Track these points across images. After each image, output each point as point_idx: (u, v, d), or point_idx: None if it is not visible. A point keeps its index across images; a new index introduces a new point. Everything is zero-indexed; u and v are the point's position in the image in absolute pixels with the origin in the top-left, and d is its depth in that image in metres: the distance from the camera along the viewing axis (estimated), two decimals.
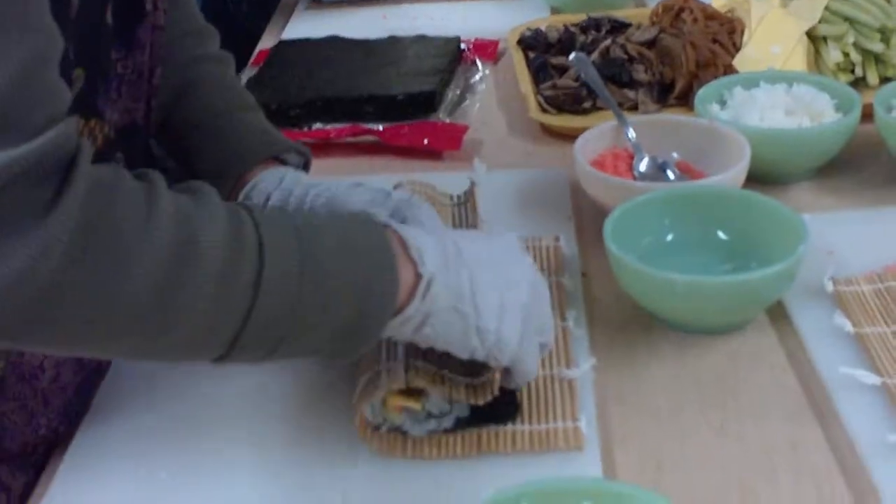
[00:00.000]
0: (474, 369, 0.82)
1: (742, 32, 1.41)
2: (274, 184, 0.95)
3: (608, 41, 1.45)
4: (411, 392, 0.82)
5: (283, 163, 1.00)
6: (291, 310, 0.72)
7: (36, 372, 0.86)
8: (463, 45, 1.57)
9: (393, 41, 1.59)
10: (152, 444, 0.87)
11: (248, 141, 0.99)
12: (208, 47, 1.06)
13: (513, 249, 0.83)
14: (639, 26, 1.50)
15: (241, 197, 0.96)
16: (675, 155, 1.16)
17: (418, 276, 0.76)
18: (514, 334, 0.78)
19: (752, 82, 1.24)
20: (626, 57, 1.42)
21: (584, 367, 0.90)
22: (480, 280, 0.78)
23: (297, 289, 0.72)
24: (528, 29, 1.57)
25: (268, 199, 0.94)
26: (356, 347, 0.76)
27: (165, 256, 0.67)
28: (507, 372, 0.81)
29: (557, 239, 1.08)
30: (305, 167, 1.03)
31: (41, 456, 0.89)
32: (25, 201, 0.62)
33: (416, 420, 0.83)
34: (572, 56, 1.35)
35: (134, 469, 0.85)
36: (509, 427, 0.84)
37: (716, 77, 1.31)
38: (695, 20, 1.45)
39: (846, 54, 1.34)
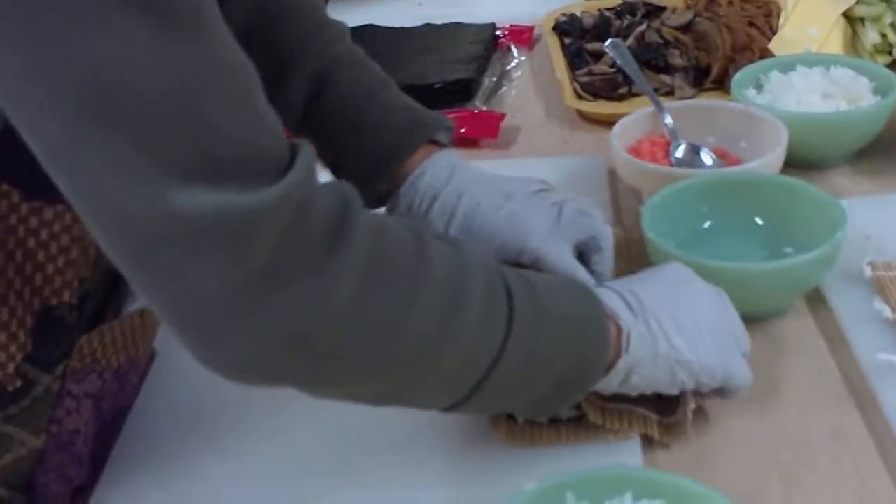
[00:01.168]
0: (664, 404, 0.84)
1: (778, 15, 1.41)
2: (442, 181, 0.94)
3: (643, 26, 1.45)
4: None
5: (437, 143, 0.97)
6: (526, 364, 0.73)
7: (73, 437, 0.83)
8: (498, 32, 1.58)
9: (428, 28, 1.59)
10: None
11: (399, 128, 0.96)
12: (328, 22, 1.00)
13: (681, 277, 0.85)
14: (674, 10, 1.50)
15: (405, 189, 0.94)
16: (711, 140, 1.16)
17: (619, 331, 0.78)
18: (714, 357, 0.80)
19: (788, 66, 1.24)
20: (661, 41, 1.42)
21: None
22: (665, 320, 0.80)
23: (532, 345, 0.73)
24: (563, 14, 1.57)
25: (435, 198, 0.93)
26: (567, 402, 0.80)
27: (438, 298, 0.68)
28: (720, 390, 0.83)
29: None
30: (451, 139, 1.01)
31: None
32: (302, 240, 0.62)
33: None
34: (608, 43, 1.35)
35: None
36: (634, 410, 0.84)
37: (752, 61, 1.31)
38: (730, 3, 1.45)
39: (884, 35, 1.33)
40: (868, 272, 0.96)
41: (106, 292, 0.87)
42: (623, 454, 0.81)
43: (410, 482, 0.82)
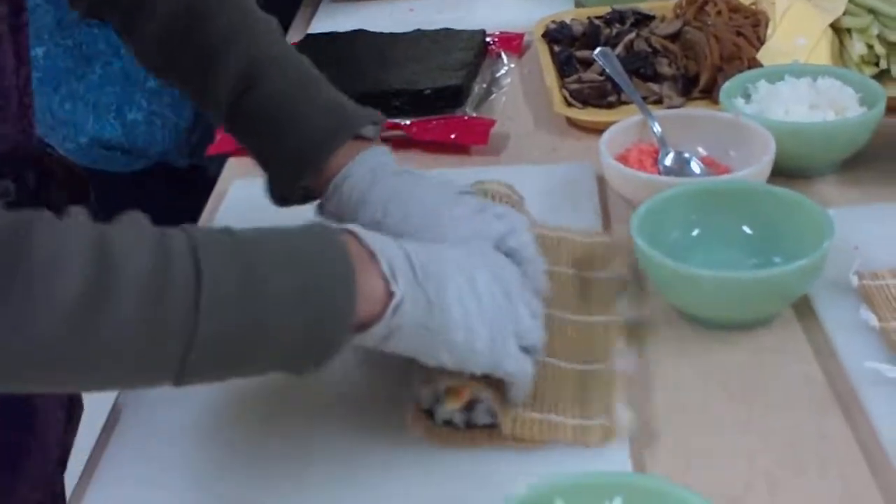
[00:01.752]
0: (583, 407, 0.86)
1: (766, 25, 1.42)
2: (366, 183, 0.93)
3: (632, 34, 1.46)
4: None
5: (363, 139, 0.97)
6: (238, 332, 0.70)
7: None
8: (488, 39, 1.58)
9: (419, 34, 1.60)
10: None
11: (321, 125, 0.96)
12: (257, 17, 1.00)
13: (486, 253, 0.83)
14: (663, 19, 1.51)
15: (332, 189, 0.94)
16: (700, 149, 1.17)
17: (389, 294, 0.75)
18: (483, 345, 0.78)
19: (776, 76, 1.25)
20: (650, 50, 1.43)
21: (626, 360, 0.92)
22: (450, 290, 0.77)
23: (239, 312, 0.69)
24: (553, 22, 1.58)
25: (362, 203, 0.92)
26: (317, 362, 0.75)
27: (78, 293, 0.64)
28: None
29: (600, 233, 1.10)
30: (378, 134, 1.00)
31: None
32: None
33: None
34: (597, 51, 1.36)
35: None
36: (548, 418, 0.85)
37: (740, 70, 1.31)
38: (719, 13, 1.46)
39: (870, 46, 1.35)
40: (855, 281, 0.97)
41: None
42: (612, 459, 0.82)
43: (398, 486, 0.83)
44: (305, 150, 0.95)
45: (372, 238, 0.77)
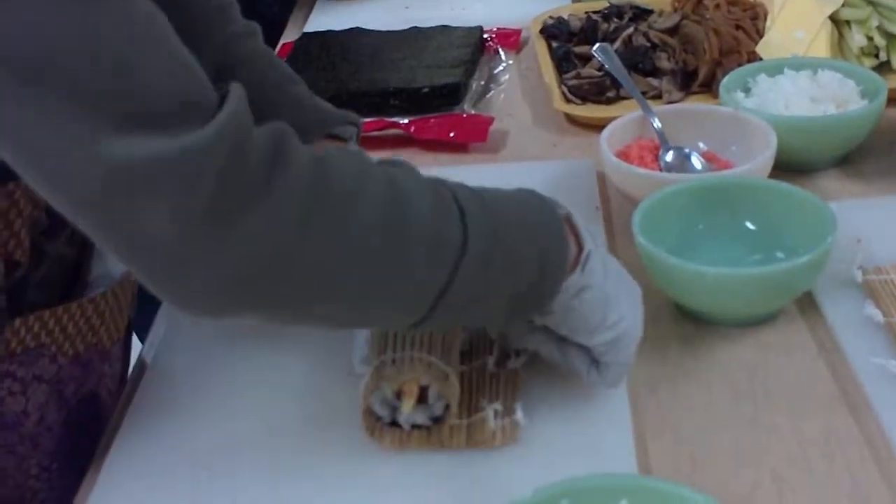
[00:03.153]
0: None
1: (765, 18, 1.41)
2: None
3: (631, 29, 1.46)
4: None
5: (338, 138, 0.98)
6: (486, 274, 0.75)
7: (19, 418, 0.87)
8: (485, 35, 1.58)
9: (415, 32, 1.59)
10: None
11: (300, 120, 0.94)
12: (237, 20, 1.03)
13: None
14: (661, 13, 1.51)
15: None
16: (701, 145, 1.16)
17: (580, 249, 0.81)
18: (636, 332, 0.84)
19: (776, 69, 1.24)
20: (648, 45, 1.42)
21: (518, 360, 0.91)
22: (612, 265, 0.84)
23: (490, 254, 0.75)
24: (551, 17, 1.57)
25: None
26: (530, 311, 0.81)
27: (382, 216, 0.70)
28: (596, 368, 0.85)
29: None
30: (358, 136, 1.02)
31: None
32: (241, 173, 0.65)
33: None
34: (596, 47, 1.35)
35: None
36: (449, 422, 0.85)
37: (739, 64, 1.31)
38: (717, 6, 1.45)
39: (870, 38, 1.34)
40: (859, 276, 0.96)
41: (54, 278, 0.88)
42: (618, 460, 0.82)
43: (402, 490, 0.82)
44: None
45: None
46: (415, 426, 0.85)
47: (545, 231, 0.79)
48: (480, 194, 0.77)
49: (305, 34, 1.65)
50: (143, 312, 1.07)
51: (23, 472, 0.89)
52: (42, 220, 0.86)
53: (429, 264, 0.73)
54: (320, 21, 1.76)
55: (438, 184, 0.76)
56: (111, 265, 0.94)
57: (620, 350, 0.83)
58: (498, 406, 0.86)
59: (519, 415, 0.85)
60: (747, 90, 1.23)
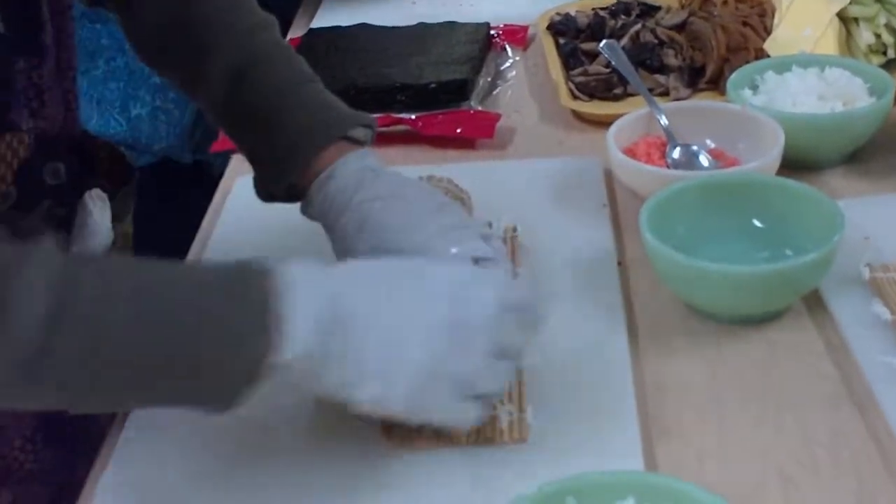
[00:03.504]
0: None
1: (772, 15, 1.41)
2: (351, 188, 0.91)
3: (638, 26, 1.45)
4: None
5: (353, 140, 0.95)
6: (92, 360, 0.68)
7: None
8: (492, 32, 1.57)
9: (422, 28, 1.59)
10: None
11: (309, 123, 0.95)
12: (254, 12, 1.00)
13: (455, 282, 0.78)
14: (668, 10, 1.50)
15: (315, 189, 0.93)
16: (708, 142, 1.16)
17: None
18: (401, 396, 0.75)
19: (784, 66, 1.24)
20: (656, 41, 1.42)
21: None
22: (365, 344, 0.73)
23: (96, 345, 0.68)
24: (558, 14, 1.57)
25: (345, 208, 0.90)
26: (234, 403, 0.73)
27: None
28: None
29: (514, 229, 1.09)
30: (372, 138, 0.99)
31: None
32: None
33: None
34: (602, 44, 1.35)
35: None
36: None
37: (747, 61, 1.31)
38: (725, 3, 1.45)
39: (878, 36, 1.34)
40: (866, 274, 0.96)
41: None
42: (624, 458, 0.81)
43: (407, 488, 0.82)
44: (292, 147, 0.94)
45: (292, 293, 0.72)
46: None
47: (220, 337, 0.71)
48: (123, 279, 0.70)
49: (312, 30, 1.65)
50: None
51: (6, 443, 0.89)
52: (11, 194, 0.86)
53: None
54: (327, 17, 1.75)
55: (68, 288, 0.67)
56: (91, 243, 0.94)
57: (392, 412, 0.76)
58: (511, 408, 0.86)
59: (529, 413, 0.85)
60: (755, 87, 1.23)
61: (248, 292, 0.71)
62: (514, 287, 0.80)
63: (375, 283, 0.77)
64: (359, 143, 0.95)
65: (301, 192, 0.95)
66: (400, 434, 0.84)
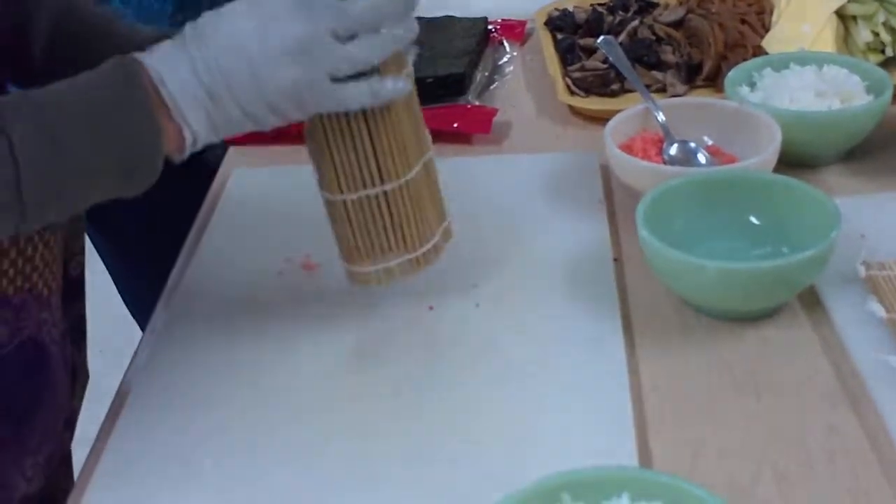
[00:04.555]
0: None
1: (770, 12, 1.40)
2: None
3: (636, 22, 1.45)
4: None
5: None
6: (59, 189, 0.80)
7: None
8: (490, 26, 1.57)
9: (420, 22, 1.57)
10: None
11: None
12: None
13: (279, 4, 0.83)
14: (666, 6, 1.50)
15: None
16: (705, 138, 1.16)
17: (179, 129, 0.82)
18: (285, 103, 0.83)
19: (781, 64, 1.24)
20: (654, 38, 1.41)
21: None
22: (229, 65, 0.81)
23: (56, 170, 0.79)
24: (556, 9, 1.57)
25: None
26: (140, 186, 0.84)
27: None
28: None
29: None
30: None
31: None
32: None
33: None
34: (600, 40, 1.35)
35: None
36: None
37: (745, 58, 1.30)
38: (723, 0, 1.45)
39: (876, 34, 1.33)
40: (862, 272, 0.96)
41: None
42: (618, 452, 0.81)
43: (403, 483, 0.82)
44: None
45: (161, 69, 0.82)
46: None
47: (124, 136, 0.81)
48: (39, 97, 0.80)
49: None
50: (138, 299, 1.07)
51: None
52: None
53: None
54: None
55: None
56: None
57: (292, 112, 0.84)
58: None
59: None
60: (752, 84, 1.23)
61: (134, 95, 0.81)
62: None
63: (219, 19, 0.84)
64: None
65: None
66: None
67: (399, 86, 0.87)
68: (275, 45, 0.81)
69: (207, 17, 0.83)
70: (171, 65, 0.82)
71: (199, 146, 0.85)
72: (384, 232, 0.91)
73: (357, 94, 0.85)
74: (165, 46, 0.83)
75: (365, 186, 0.89)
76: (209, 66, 0.81)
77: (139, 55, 0.83)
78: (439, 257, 0.95)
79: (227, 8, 0.84)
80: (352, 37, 0.83)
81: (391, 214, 0.91)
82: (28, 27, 0.99)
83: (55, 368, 0.97)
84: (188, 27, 0.83)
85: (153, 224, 1.39)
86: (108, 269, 1.67)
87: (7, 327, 0.92)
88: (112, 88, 0.81)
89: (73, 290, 1.05)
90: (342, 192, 0.90)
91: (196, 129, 0.83)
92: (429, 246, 0.94)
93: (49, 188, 0.79)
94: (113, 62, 0.82)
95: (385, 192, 0.90)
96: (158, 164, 0.82)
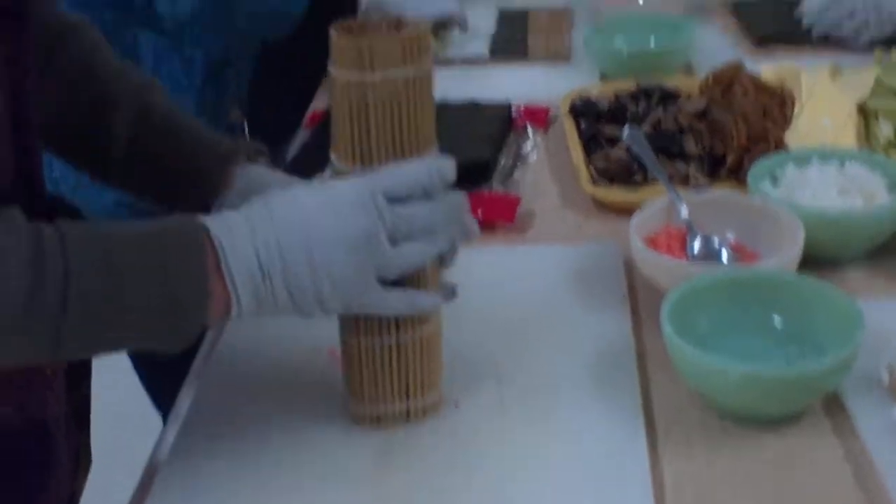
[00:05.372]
0: None
1: (793, 105, 1.42)
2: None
3: (660, 112, 1.47)
4: None
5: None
6: (101, 327, 0.81)
7: None
8: (514, 112, 1.59)
9: (443, 107, 1.60)
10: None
11: (221, 142, 1.09)
12: (142, 75, 1.12)
13: (343, 201, 0.87)
14: (688, 96, 1.52)
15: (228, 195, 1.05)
16: (728, 234, 1.17)
17: (228, 296, 0.85)
18: (338, 302, 0.87)
19: (804, 160, 1.25)
20: (677, 128, 1.43)
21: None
22: (297, 270, 0.85)
23: (103, 308, 0.80)
24: (580, 96, 1.59)
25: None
26: (174, 346, 0.85)
27: None
28: None
29: None
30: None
31: None
32: None
33: None
34: (626, 133, 1.37)
35: None
36: None
37: (767, 151, 1.32)
38: (745, 93, 1.46)
39: None
40: (886, 377, 0.96)
41: None
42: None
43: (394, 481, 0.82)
44: (211, 165, 1.07)
45: (224, 238, 0.85)
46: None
47: (175, 285, 0.83)
48: (104, 248, 0.81)
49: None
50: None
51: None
52: None
53: (25, 327, 0.78)
54: None
55: (44, 242, 0.79)
56: None
57: (333, 309, 0.88)
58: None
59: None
60: (775, 180, 1.24)
61: (189, 264, 0.84)
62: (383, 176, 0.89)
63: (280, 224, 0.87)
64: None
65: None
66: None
67: (435, 302, 0.93)
68: (335, 237, 0.85)
69: (278, 199, 0.87)
70: (235, 239, 0.85)
71: (240, 319, 0.87)
72: (388, 380, 0.95)
73: (395, 302, 0.90)
74: (233, 217, 0.87)
75: (381, 334, 0.93)
76: (269, 245, 0.85)
77: (207, 220, 0.86)
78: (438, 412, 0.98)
79: (297, 193, 0.88)
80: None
81: (399, 365, 0.94)
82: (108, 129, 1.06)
83: (58, 454, 0.97)
84: (259, 203, 0.87)
85: None
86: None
87: (11, 407, 0.92)
88: (174, 254, 0.84)
89: (79, 371, 1.06)
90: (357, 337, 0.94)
91: (244, 304, 0.85)
92: (429, 400, 0.97)
93: (92, 327, 0.81)
94: (181, 224, 0.86)
95: (398, 344, 0.94)
96: (198, 330, 0.85)
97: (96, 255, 0.81)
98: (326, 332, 1.03)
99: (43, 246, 0.79)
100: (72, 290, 0.79)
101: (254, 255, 0.85)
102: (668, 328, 0.96)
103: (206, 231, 0.85)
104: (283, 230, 0.85)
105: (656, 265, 1.10)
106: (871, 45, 1.73)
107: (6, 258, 0.77)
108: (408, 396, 0.96)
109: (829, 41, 1.82)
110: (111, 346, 0.85)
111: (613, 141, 1.44)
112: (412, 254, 0.89)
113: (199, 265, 0.84)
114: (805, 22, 1.86)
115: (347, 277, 0.86)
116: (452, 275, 0.96)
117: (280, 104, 1.81)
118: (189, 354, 1.14)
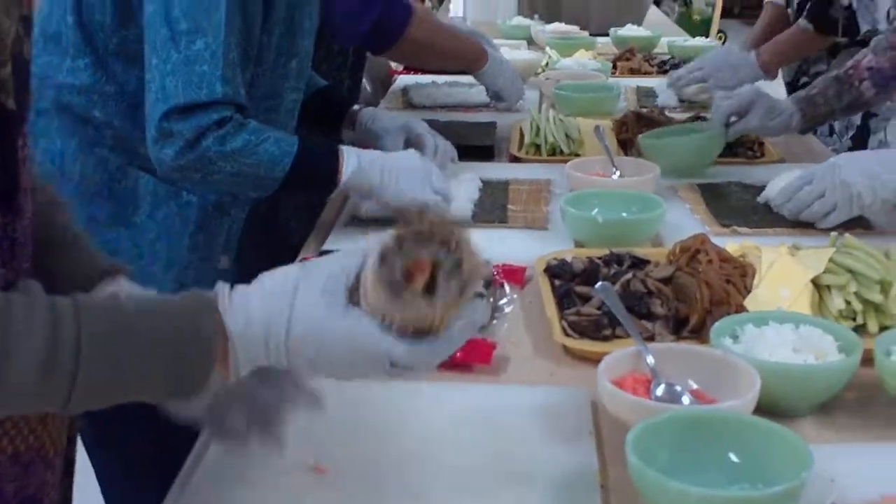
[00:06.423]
0: None
1: (753, 276, 1.52)
2: None
3: (629, 275, 1.57)
4: None
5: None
6: (111, 389, 0.91)
7: None
8: (493, 270, 1.68)
9: None
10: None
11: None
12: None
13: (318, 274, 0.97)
14: (657, 264, 1.62)
15: None
16: (690, 382, 1.25)
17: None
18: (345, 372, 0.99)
19: (762, 321, 1.34)
20: (645, 290, 1.53)
21: None
22: (306, 344, 0.95)
23: (111, 380, 0.90)
24: (555, 259, 1.68)
25: None
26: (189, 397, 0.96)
27: None
28: None
29: None
30: None
31: None
32: None
33: None
34: (598, 285, 1.46)
35: None
36: None
37: (728, 313, 1.41)
38: (710, 261, 1.56)
39: (848, 302, 1.45)
40: None
41: None
42: None
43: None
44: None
45: (231, 316, 0.95)
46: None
47: (183, 350, 0.93)
48: (114, 321, 0.91)
49: (324, 251, 1.76)
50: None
51: None
52: None
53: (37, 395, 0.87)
54: (338, 242, 1.85)
55: (62, 317, 0.88)
56: None
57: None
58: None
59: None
60: (735, 337, 1.33)
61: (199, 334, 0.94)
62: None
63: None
64: None
65: None
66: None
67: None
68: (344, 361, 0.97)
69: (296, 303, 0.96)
70: (246, 328, 0.95)
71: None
72: None
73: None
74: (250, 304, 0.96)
75: None
76: (279, 350, 0.96)
77: (223, 310, 0.95)
78: None
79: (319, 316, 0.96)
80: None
81: None
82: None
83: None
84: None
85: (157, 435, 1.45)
86: (96, 470, 1.71)
87: (13, 485, 0.97)
88: (183, 334, 0.94)
89: (68, 466, 1.10)
90: None
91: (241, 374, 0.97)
92: None
93: (101, 384, 0.90)
94: (194, 302, 0.96)
95: None
96: (199, 391, 0.95)
97: (107, 332, 0.90)
98: (311, 445, 1.10)
99: (57, 313, 0.88)
100: (83, 349, 0.87)
101: (264, 357, 0.96)
102: (632, 456, 1.04)
103: (217, 316, 0.95)
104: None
105: (622, 403, 1.18)
106: (836, 227, 1.81)
107: (24, 333, 0.86)
108: None
109: (792, 223, 1.90)
110: (115, 400, 0.93)
111: (585, 299, 1.53)
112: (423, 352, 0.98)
113: (205, 353, 0.94)
114: (773, 205, 1.96)
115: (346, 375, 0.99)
116: (430, 411, 1.07)
117: (269, 253, 1.89)
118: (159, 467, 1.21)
